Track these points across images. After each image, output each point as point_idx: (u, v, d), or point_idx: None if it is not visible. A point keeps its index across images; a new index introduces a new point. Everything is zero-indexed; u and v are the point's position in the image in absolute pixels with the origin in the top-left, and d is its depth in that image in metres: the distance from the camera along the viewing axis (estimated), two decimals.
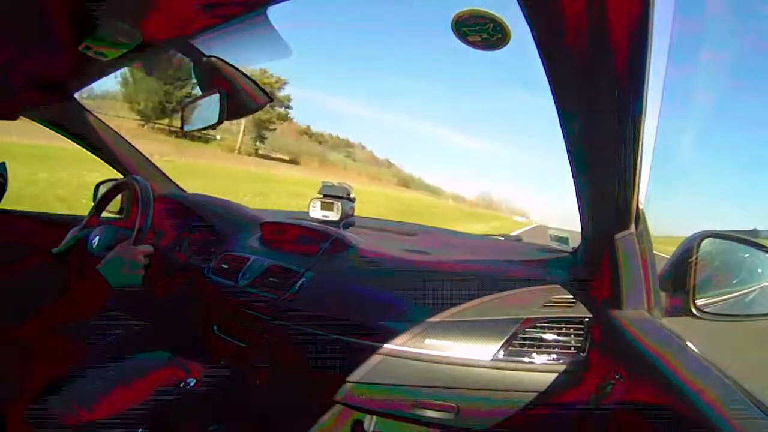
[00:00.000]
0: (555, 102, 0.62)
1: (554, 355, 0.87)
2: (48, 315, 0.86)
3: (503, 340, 0.88)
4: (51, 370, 0.92)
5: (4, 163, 1.14)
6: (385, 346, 0.93)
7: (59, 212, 1.80)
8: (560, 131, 0.66)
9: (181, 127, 0.99)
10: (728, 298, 0.78)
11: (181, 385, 1.05)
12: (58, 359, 0.95)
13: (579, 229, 0.97)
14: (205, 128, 0.92)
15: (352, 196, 1.42)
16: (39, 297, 0.87)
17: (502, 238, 1.57)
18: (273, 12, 0.75)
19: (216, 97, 0.85)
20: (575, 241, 1.17)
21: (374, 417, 1.20)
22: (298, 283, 1.09)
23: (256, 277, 1.16)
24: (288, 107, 33.28)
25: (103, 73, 1.05)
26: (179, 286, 1.27)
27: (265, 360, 1.14)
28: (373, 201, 16.11)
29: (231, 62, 0.86)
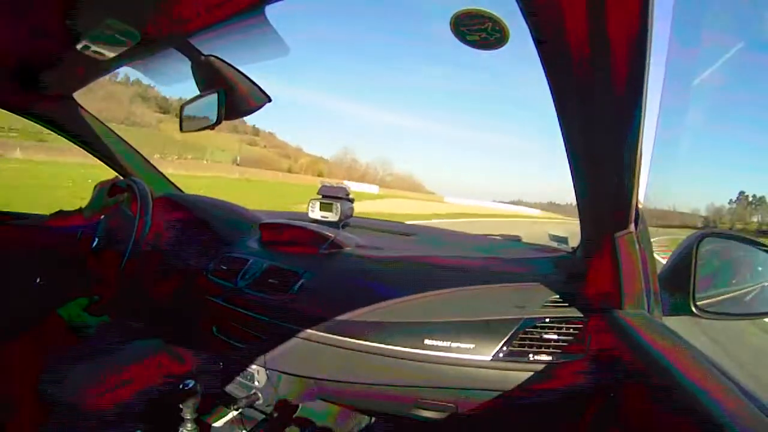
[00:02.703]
0: (554, 101, 0.62)
1: (554, 355, 0.86)
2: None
3: (503, 340, 0.88)
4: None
5: None
6: (385, 346, 0.93)
7: None
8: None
9: (180, 128, 0.99)
10: (728, 297, 0.78)
11: (180, 386, 1.05)
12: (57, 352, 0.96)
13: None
14: (203, 128, 0.92)
15: (351, 196, 1.42)
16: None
17: (501, 238, 1.57)
18: (270, 10, 0.75)
19: (214, 96, 0.85)
20: (575, 241, 1.17)
21: (373, 417, 1.20)
22: (298, 284, 1.08)
23: (255, 278, 1.15)
24: None
25: (101, 72, 1.05)
26: (178, 288, 1.27)
27: (264, 361, 1.13)
28: None
29: (229, 61, 0.86)
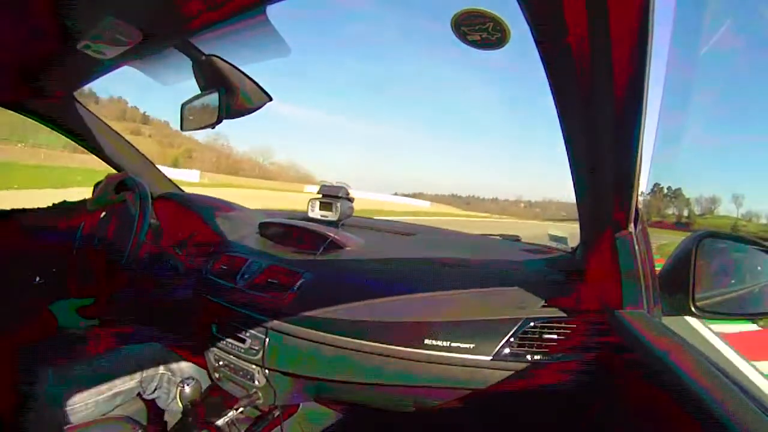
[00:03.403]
0: (554, 101, 0.62)
1: (554, 355, 0.86)
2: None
3: (503, 340, 0.88)
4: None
5: None
6: (385, 346, 0.93)
7: None
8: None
9: (181, 127, 0.99)
10: (728, 298, 0.78)
11: (180, 386, 1.05)
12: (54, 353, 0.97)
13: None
14: (203, 128, 0.92)
15: (351, 196, 1.42)
16: None
17: (501, 238, 1.57)
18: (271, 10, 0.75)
19: (215, 96, 0.85)
20: (574, 241, 1.17)
21: (373, 416, 1.20)
22: (297, 284, 1.08)
23: (254, 277, 1.15)
24: None
25: (102, 71, 1.05)
26: (177, 287, 1.26)
27: (264, 360, 1.14)
28: None
29: (230, 61, 0.86)
